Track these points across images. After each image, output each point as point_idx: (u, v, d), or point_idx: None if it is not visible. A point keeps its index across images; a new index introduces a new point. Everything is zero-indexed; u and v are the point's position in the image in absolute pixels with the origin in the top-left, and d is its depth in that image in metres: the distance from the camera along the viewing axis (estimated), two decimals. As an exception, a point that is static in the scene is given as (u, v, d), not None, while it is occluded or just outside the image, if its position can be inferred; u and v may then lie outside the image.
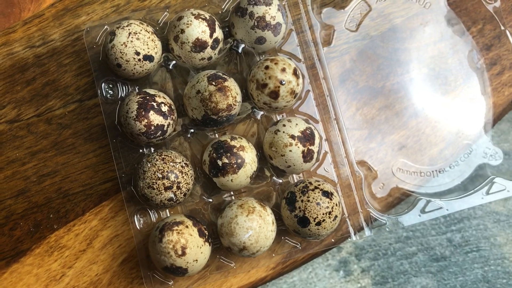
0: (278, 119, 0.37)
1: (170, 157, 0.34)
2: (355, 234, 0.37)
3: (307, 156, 0.34)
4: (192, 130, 0.37)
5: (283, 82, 0.34)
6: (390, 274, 0.41)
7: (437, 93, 0.40)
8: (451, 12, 0.40)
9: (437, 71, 0.40)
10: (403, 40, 0.40)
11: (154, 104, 0.34)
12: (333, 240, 0.37)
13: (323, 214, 0.34)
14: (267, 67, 0.34)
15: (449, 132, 0.40)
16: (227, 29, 0.37)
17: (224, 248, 0.35)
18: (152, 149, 0.36)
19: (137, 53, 0.34)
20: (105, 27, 0.36)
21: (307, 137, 0.34)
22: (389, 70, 0.40)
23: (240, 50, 0.36)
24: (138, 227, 0.36)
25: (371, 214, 0.37)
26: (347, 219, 0.37)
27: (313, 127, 0.35)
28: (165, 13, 0.37)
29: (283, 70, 0.34)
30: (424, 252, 0.42)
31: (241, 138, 0.35)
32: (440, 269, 0.41)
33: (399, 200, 0.39)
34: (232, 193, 0.37)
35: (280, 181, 0.37)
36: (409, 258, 0.41)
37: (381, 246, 0.41)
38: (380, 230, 0.38)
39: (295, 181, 0.37)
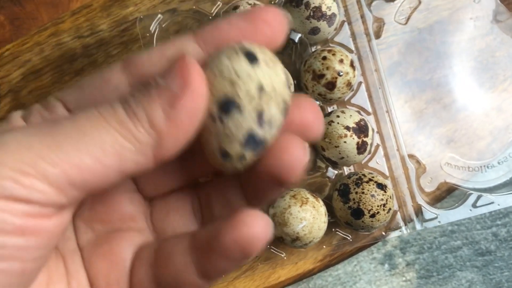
0: (329, 110, 0.37)
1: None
2: (405, 225, 0.37)
3: (361, 148, 0.34)
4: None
5: (341, 73, 0.33)
6: (435, 268, 0.41)
7: (484, 86, 0.40)
8: (501, 7, 0.40)
9: (484, 64, 0.40)
10: (450, 33, 0.40)
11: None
12: (383, 233, 0.37)
13: (378, 206, 0.34)
14: (324, 58, 0.34)
15: (497, 127, 0.40)
16: (278, 20, 0.36)
17: (275, 238, 0.35)
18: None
19: None
20: (158, 15, 0.36)
21: (361, 129, 0.34)
22: (437, 63, 0.40)
23: (296, 40, 0.35)
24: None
25: (422, 207, 0.37)
26: (397, 212, 0.37)
27: (366, 119, 0.35)
28: (218, 3, 0.37)
29: (341, 61, 0.34)
30: (469, 246, 0.41)
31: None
32: (486, 263, 0.41)
33: (447, 194, 0.39)
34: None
35: (336, 171, 0.37)
36: (454, 252, 0.41)
37: (426, 239, 0.41)
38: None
39: (346, 173, 0.37)
